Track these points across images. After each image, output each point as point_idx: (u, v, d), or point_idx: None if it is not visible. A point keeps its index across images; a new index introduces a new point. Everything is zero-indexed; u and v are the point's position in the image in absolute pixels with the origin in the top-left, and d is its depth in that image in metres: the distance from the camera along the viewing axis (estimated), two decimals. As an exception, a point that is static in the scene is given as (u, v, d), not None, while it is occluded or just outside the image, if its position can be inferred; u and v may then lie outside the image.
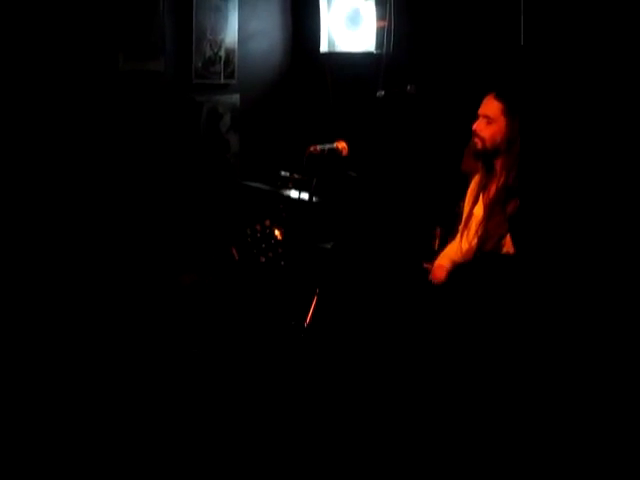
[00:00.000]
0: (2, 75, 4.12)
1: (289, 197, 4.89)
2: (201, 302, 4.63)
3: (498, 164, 3.44)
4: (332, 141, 3.67)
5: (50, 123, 4.35)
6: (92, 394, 3.69)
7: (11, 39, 4.11)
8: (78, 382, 3.77)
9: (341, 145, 3.62)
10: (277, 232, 3.17)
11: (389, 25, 5.20)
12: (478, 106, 4.75)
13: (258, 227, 3.18)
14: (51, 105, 4.35)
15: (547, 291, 2.80)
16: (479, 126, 3.43)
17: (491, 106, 3.41)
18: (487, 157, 3.47)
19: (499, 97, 3.41)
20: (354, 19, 5.44)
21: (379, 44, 5.28)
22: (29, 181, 4.27)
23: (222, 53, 5.34)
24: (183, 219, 5.15)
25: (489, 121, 3.40)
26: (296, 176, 5.10)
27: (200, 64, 5.22)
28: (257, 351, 4.17)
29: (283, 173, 5.17)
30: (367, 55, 5.37)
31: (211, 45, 5.26)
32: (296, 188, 4.98)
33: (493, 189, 3.47)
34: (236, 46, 5.44)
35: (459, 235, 3.61)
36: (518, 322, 2.79)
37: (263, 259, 3.18)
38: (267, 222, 3.18)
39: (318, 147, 3.55)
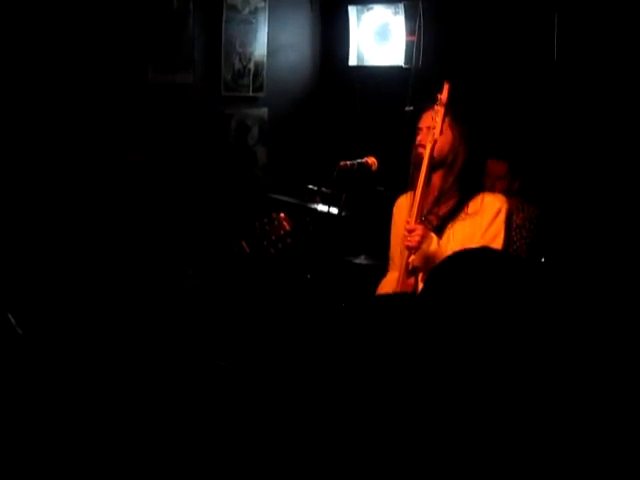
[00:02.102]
0: (34, 86, 4.17)
1: (316, 210, 4.89)
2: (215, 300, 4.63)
3: (437, 176, 3.28)
4: (360, 155, 3.65)
5: (80, 134, 4.38)
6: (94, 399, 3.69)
7: (42, 52, 4.16)
8: (81, 387, 3.77)
9: (371, 160, 3.59)
10: (285, 223, 3.13)
11: (418, 39, 5.20)
12: (509, 121, 4.75)
13: (266, 220, 3.15)
14: (81, 116, 4.38)
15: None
16: (424, 138, 3.26)
17: (435, 117, 3.27)
18: (431, 169, 3.35)
19: (442, 109, 3.25)
20: (383, 33, 5.44)
21: (408, 58, 5.27)
22: (56, 187, 4.30)
23: (251, 66, 5.36)
24: (209, 231, 5.15)
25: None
26: (324, 190, 5.10)
27: (229, 77, 5.24)
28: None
29: (310, 187, 5.17)
30: (396, 69, 5.37)
31: (240, 58, 5.28)
32: (324, 202, 4.99)
33: (428, 200, 3.35)
34: (265, 59, 5.46)
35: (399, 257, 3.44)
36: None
37: (273, 251, 3.15)
38: (274, 214, 3.15)
39: (348, 162, 3.52)
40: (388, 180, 4.69)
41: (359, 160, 3.55)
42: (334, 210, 3.70)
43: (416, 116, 4.84)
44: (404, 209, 3.43)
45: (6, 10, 3.99)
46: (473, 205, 3.19)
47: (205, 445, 3.43)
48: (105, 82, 4.47)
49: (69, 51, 4.27)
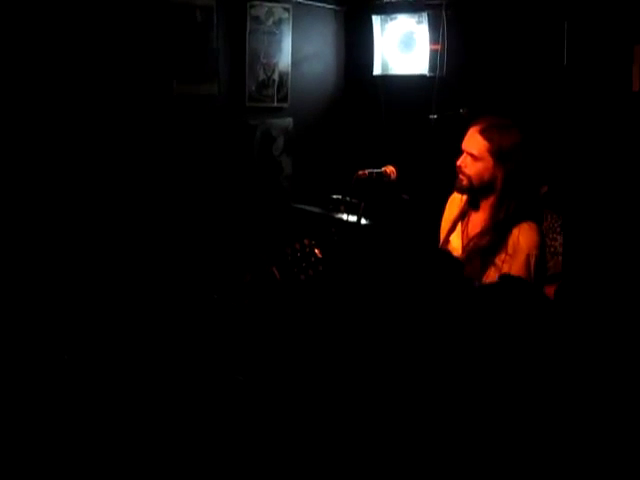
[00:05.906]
0: (68, 99, 4.22)
1: (341, 220, 4.88)
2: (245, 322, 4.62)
3: (485, 204, 3.23)
4: (383, 164, 3.64)
5: (106, 146, 4.42)
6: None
7: (66, 64, 4.20)
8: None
9: (389, 169, 3.57)
10: (317, 250, 3.13)
11: (442, 48, 5.19)
12: (531, 130, 4.71)
13: (297, 246, 3.15)
14: (107, 128, 4.42)
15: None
16: (464, 162, 3.19)
17: (476, 144, 3.17)
18: (473, 194, 3.27)
19: (483, 134, 3.15)
20: (407, 42, 5.44)
21: (432, 67, 5.27)
22: (89, 198, 4.34)
23: (275, 76, 5.37)
24: (236, 241, 5.17)
25: (475, 158, 3.15)
26: (348, 199, 5.09)
27: (253, 87, 5.25)
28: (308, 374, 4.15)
29: (335, 196, 5.17)
30: (420, 78, 5.37)
31: (264, 69, 5.29)
32: (348, 211, 4.98)
33: (474, 228, 3.27)
34: (289, 69, 5.47)
35: None
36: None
37: (303, 277, 3.14)
38: (306, 241, 3.14)
39: (366, 171, 3.50)
40: (413, 189, 4.69)
41: (377, 170, 3.54)
42: (354, 219, 3.69)
43: (440, 124, 4.87)
44: (454, 205, 3.46)
45: (30, 23, 4.03)
46: (511, 243, 3.11)
47: (220, 457, 3.44)
48: (130, 94, 4.51)
49: (94, 64, 4.31)
